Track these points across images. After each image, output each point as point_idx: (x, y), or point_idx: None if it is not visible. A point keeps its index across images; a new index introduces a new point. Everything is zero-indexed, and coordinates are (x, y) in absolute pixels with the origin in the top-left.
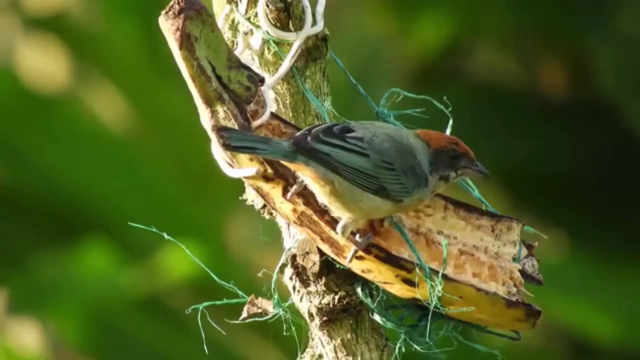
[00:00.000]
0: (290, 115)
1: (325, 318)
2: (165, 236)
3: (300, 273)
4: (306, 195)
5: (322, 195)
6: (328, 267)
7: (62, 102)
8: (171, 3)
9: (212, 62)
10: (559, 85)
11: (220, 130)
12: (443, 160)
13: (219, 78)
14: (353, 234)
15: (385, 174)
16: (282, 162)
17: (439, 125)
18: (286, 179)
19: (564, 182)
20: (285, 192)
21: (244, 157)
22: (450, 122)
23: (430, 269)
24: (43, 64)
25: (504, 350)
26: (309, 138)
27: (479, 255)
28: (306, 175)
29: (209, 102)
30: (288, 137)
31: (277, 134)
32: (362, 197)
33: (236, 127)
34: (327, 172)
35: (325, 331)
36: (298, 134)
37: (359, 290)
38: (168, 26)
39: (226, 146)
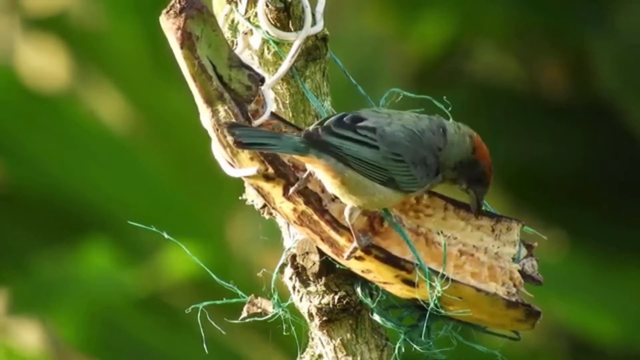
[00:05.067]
0: (290, 115)
1: (325, 318)
2: (165, 236)
3: (300, 273)
4: (307, 194)
5: (332, 187)
6: (328, 267)
7: (62, 102)
8: (172, 2)
9: (213, 61)
10: (559, 85)
11: (230, 127)
12: (472, 171)
13: (219, 77)
14: (357, 231)
15: (394, 166)
16: (295, 156)
17: None
18: (287, 178)
19: (564, 181)
20: (286, 191)
21: (244, 157)
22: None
23: (430, 269)
24: (43, 64)
25: (503, 350)
26: (320, 131)
27: (478, 255)
28: (317, 167)
29: (209, 101)
30: (299, 132)
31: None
32: (372, 189)
33: None
34: (338, 163)
35: (325, 331)
36: (311, 127)
37: (358, 290)
38: (169, 25)
39: (238, 144)
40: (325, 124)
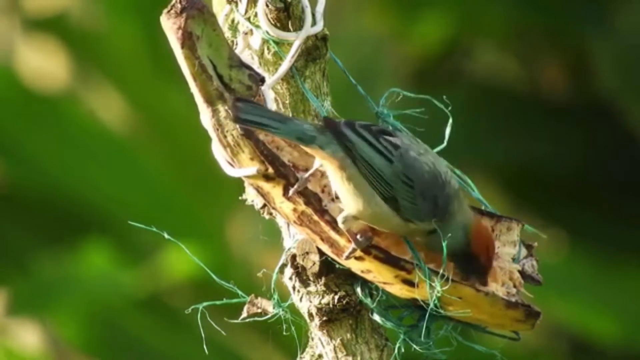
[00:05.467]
0: (290, 115)
1: (325, 318)
2: (165, 236)
3: (300, 273)
4: (307, 194)
5: (334, 180)
6: (328, 267)
7: (62, 102)
8: (173, 2)
9: (214, 61)
10: (559, 85)
11: (236, 100)
12: (468, 263)
13: (220, 77)
14: (354, 233)
15: (401, 187)
16: (298, 144)
17: (439, 126)
18: (287, 178)
19: (564, 181)
20: (285, 191)
21: (244, 157)
22: (450, 121)
23: (430, 269)
24: (43, 64)
25: (503, 350)
26: (341, 122)
27: None
28: (321, 158)
29: (210, 101)
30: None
31: None
32: (370, 198)
33: (237, 127)
34: (346, 158)
35: (325, 331)
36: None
37: (358, 290)
38: (170, 25)
39: (235, 118)
40: (352, 120)
